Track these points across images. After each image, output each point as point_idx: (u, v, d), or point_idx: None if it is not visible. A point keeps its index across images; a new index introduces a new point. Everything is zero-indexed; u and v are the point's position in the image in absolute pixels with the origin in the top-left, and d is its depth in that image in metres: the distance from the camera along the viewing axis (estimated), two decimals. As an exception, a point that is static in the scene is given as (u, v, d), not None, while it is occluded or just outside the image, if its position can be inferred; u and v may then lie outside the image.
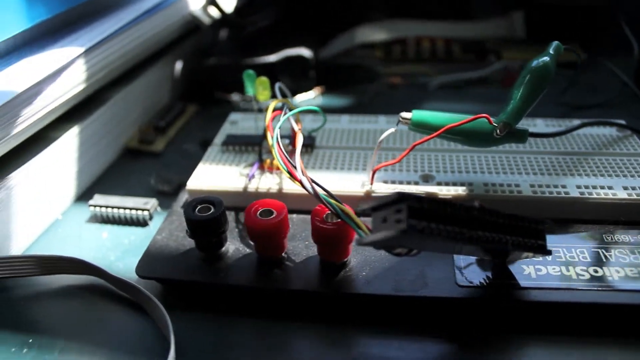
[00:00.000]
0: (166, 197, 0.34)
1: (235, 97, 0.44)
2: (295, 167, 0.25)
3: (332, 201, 0.24)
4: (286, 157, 0.26)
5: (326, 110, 0.36)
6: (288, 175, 0.26)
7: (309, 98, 0.44)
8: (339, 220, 0.24)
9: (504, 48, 0.51)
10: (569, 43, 0.30)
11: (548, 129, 0.34)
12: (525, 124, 0.35)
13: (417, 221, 0.19)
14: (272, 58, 0.43)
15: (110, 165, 0.38)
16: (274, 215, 0.25)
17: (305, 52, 0.44)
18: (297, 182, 0.25)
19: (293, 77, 0.34)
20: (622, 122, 0.34)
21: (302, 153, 0.32)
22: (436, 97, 0.45)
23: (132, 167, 0.38)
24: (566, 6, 0.51)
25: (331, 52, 0.50)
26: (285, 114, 0.28)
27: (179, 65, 0.46)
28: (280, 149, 0.26)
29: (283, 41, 0.45)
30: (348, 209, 0.23)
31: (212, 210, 0.26)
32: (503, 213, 0.22)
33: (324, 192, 0.24)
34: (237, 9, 0.47)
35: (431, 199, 0.20)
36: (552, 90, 0.41)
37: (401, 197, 0.19)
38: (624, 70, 0.43)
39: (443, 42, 0.52)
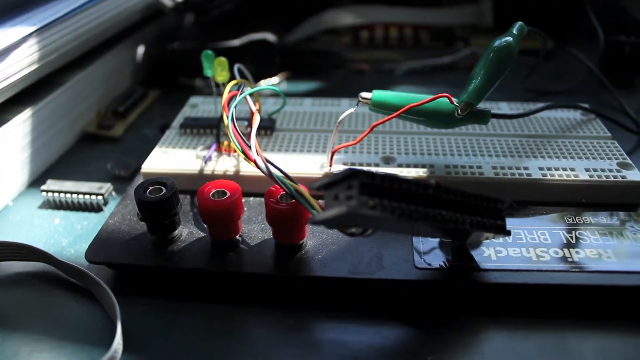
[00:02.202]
0: (124, 183, 0.33)
1: (198, 82, 0.43)
2: (250, 148, 0.25)
3: (286, 181, 0.23)
4: (241, 137, 0.25)
5: (291, 96, 0.36)
6: (242, 155, 0.25)
7: (273, 84, 0.43)
8: (293, 200, 0.23)
9: (472, 35, 0.51)
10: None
11: (512, 112, 0.34)
12: (489, 107, 0.34)
13: (369, 198, 0.19)
14: (236, 42, 0.42)
15: (66, 151, 0.37)
16: (227, 196, 0.24)
17: (269, 36, 0.43)
18: (251, 162, 0.24)
19: (257, 63, 0.33)
20: (586, 105, 0.34)
21: (261, 136, 0.32)
22: (404, 83, 0.44)
23: (90, 152, 0.37)
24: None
25: (297, 37, 0.49)
26: (241, 94, 0.28)
27: (140, 50, 0.44)
28: (235, 128, 0.25)
29: (248, 26, 0.44)
30: (302, 189, 0.23)
31: (164, 191, 0.25)
32: (461, 192, 0.22)
33: (279, 172, 0.24)
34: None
35: (384, 175, 0.19)
36: (517, 76, 0.41)
37: (352, 173, 0.19)
38: (590, 58, 0.43)
39: (411, 28, 0.51)
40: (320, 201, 0.22)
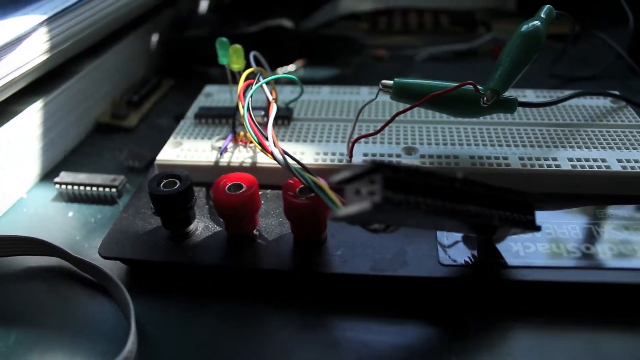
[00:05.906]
0: (138, 174, 0.32)
1: (214, 70, 0.42)
2: (266, 138, 0.24)
3: (305, 174, 0.22)
4: (257, 127, 0.24)
5: (307, 83, 0.35)
6: (259, 146, 0.24)
7: (290, 71, 0.42)
8: (313, 194, 0.22)
9: (494, 20, 0.49)
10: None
11: (539, 100, 0.32)
12: (515, 95, 0.33)
13: (393, 193, 0.18)
14: (252, 29, 0.41)
15: (80, 142, 0.37)
16: (243, 189, 0.23)
17: (286, 22, 0.42)
18: (268, 154, 0.23)
19: (274, 50, 0.32)
20: (616, 92, 0.32)
21: (278, 125, 0.31)
22: (423, 69, 0.43)
23: (104, 143, 0.36)
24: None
25: (314, 23, 0.48)
26: (257, 82, 0.27)
27: (154, 37, 0.44)
28: (251, 118, 0.24)
29: (264, 12, 0.43)
30: (322, 182, 0.22)
31: (178, 184, 0.24)
32: (489, 185, 0.21)
33: (297, 164, 0.23)
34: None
35: (409, 168, 0.18)
36: (542, 62, 0.40)
37: (375, 166, 0.18)
38: (618, 42, 0.42)
39: (431, 13, 0.50)
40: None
